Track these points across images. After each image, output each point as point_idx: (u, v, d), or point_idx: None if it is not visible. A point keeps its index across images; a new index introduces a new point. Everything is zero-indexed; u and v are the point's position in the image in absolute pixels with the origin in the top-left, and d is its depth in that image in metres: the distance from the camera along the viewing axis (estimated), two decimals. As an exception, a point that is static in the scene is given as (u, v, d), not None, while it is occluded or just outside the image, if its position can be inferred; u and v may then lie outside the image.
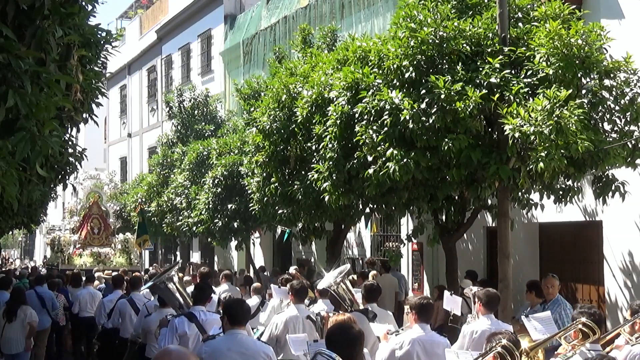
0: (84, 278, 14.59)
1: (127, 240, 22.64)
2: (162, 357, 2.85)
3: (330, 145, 9.89)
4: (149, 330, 8.09)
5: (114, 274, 15.15)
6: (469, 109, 7.98)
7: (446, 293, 8.06)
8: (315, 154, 10.75)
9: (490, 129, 8.76)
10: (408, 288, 14.53)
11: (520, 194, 9.74)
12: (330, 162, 9.88)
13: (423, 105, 8.36)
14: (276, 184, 12.12)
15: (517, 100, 7.97)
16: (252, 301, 10.21)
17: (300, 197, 11.45)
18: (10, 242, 56.64)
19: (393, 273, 13.88)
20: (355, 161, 9.54)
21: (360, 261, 16.69)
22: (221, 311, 6.35)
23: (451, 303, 7.85)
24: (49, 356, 13.39)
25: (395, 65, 8.82)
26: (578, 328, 4.87)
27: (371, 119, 8.97)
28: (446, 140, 8.22)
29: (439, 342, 5.85)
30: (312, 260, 18.59)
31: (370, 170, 8.95)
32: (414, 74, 8.68)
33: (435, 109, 8.23)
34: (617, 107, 8.41)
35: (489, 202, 10.65)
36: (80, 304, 12.82)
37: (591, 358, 2.85)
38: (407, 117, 8.33)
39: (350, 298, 7.59)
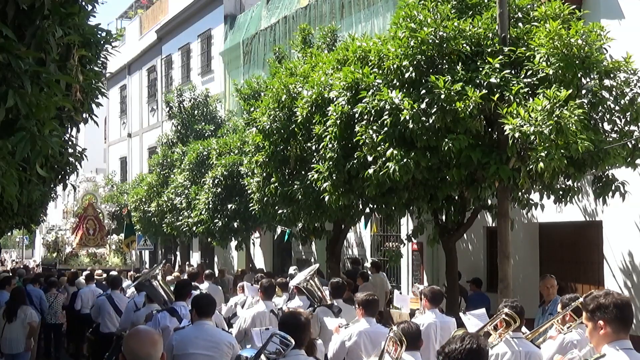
0: (81, 277, 15.36)
1: (121, 241, 23.14)
2: (133, 334, 3.49)
3: (330, 145, 9.88)
4: (138, 323, 8.43)
5: (113, 273, 15.50)
6: (469, 109, 7.98)
7: (396, 292, 9.02)
8: (315, 154, 10.75)
9: (490, 129, 8.76)
10: (389, 288, 14.59)
11: (520, 194, 9.74)
12: (330, 162, 9.88)
13: (423, 105, 8.35)
14: (276, 184, 12.12)
15: (517, 100, 7.97)
16: (238, 298, 11.32)
17: (300, 197, 11.45)
18: (10, 243, 56.59)
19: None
20: (355, 161, 9.53)
21: (347, 262, 16.70)
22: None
23: (401, 301, 8.74)
24: (48, 354, 13.57)
25: (395, 65, 8.81)
26: (502, 318, 5.57)
27: (371, 119, 8.97)
28: (446, 140, 8.21)
29: (383, 333, 6.29)
30: (312, 260, 18.59)
31: (370, 170, 8.95)
32: (414, 74, 8.67)
33: (435, 109, 8.23)
34: (617, 107, 8.41)
35: (489, 202, 10.65)
36: (83, 301, 13.42)
37: (460, 337, 3.48)
38: (407, 117, 8.32)
39: (319, 294, 8.31)
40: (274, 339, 4.67)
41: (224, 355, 5.97)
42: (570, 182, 9.21)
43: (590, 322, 3.82)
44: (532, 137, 7.56)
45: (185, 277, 14.45)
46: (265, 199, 12.60)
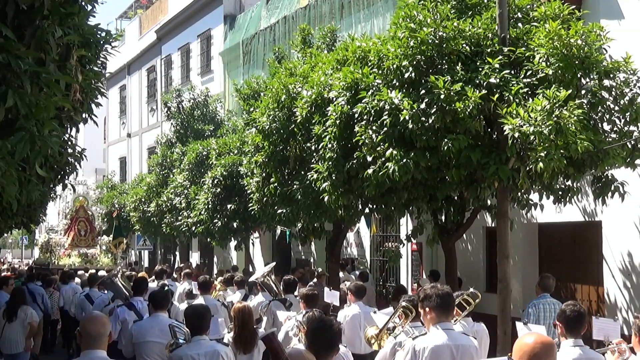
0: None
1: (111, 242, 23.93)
2: (88, 318, 4.50)
3: (329, 146, 9.88)
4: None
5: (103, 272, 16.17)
6: (469, 109, 7.97)
7: (326, 289, 9.66)
8: (314, 154, 10.75)
9: (489, 129, 8.76)
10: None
11: (519, 194, 9.72)
12: (330, 162, 9.87)
13: (423, 106, 8.35)
14: (276, 184, 12.12)
15: (517, 100, 7.96)
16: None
17: (299, 197, 11.44)
18: (9, 243, 56.54)
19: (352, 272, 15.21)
20: (354, 161, 9.53)
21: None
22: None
23: (330, 297, 9.42)
24: (43, 349, 13.72)
25: (394, 66, 8.81)
26: (401, 311, 6.26)
27: (371, 119, 8.96)
28: (446, 140, 8.21)
29: None
30: (312, 260, 18.59)
31: (370, 171, 8.94)
32: (413, 74, 8.67)
33: (434, 109, 8.22)
34: (616, 107, 8.41)
35: (489, 202, 10.64)
36: (64, 298, 14.14)
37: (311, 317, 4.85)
38: (407, 117, 8.32)
39: (274, 290, 9.37)
40: (175, 329, 5.85)
41: None
42: (569, 182, 9.22)
43: (422, 310, 5.13)
44: (532, 137, 7.56)
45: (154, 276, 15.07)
46: (265, 199, 12.60)
